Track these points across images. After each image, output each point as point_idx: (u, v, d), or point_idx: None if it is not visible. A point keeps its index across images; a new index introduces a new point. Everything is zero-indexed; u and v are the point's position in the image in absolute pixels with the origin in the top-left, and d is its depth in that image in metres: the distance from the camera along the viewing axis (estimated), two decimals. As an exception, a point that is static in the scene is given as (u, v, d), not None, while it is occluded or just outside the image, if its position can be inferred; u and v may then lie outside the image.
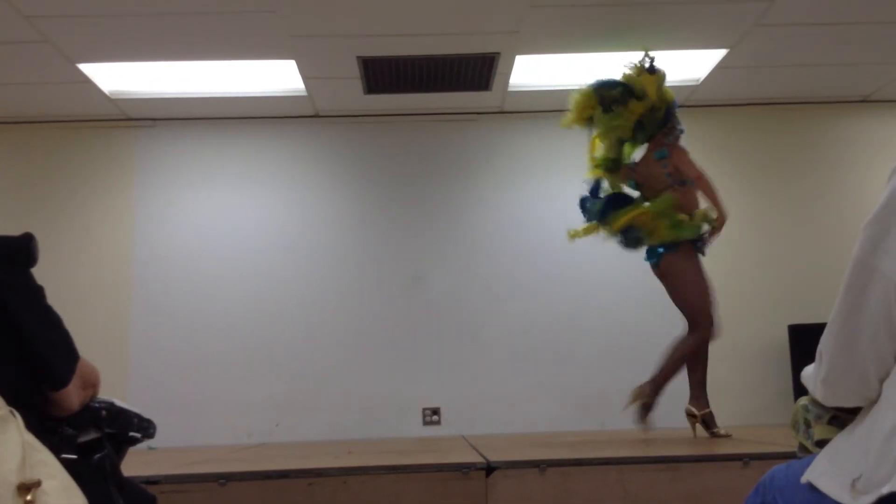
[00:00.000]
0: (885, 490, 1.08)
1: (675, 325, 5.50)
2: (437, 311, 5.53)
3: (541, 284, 5.55)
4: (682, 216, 4.11)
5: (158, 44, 4.56)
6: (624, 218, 4.16)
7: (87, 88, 5.09)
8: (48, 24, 4.29)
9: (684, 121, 5.79)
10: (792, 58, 4.99)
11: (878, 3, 4.31)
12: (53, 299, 1.47)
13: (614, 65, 5.16)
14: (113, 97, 5.26)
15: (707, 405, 4.08)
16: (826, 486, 1.24)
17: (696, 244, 4.15)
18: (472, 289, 5.55)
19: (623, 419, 5.35)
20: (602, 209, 4.26)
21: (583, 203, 4.39)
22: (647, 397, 4.02)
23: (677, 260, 4.11)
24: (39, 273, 1.47)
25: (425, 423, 5.40)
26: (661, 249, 4.13)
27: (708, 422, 4.06)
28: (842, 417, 1.39)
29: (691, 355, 4.10)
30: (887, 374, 1.21)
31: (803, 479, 1.31)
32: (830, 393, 1.31)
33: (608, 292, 5.54)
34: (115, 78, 5.05)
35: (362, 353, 5.47)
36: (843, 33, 4.66)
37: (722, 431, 4.02)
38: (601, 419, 5.35)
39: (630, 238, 4.23)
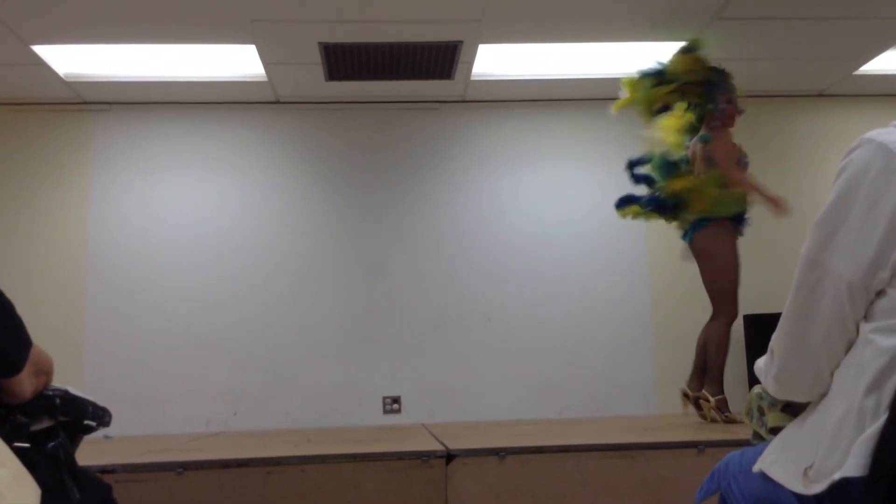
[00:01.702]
0: (837, 476, 1.10)
1: (632, 317, 5.59)
2: (398, 300, 5.52)
3: (501, 274, 5.58)
4: (724, 192, 4.21)
5: (115, 26, 4.47)
6: (679, 183, 4.28)
7: (41, 71, 4.98)
8: (0, 4, 4.18)
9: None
10: (749, 51, 5.05)
11: (835, -1, 4.39)
12: (5, 285, 1.44)
13: (576, 56, 5.19)
14: (68, 80, 5.15)
15: (717, 393, 4.22)
16: (778, 475, 1.26)
17: (736, 224, 4.26)
18: (433, 278, 5.56)
19: (580, 407, 5.44)
20: (660, 168, 4.39)
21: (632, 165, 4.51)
22: (717, 398, 4.14)
23: (709, 238, 4.23)
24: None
25: (385, 411, 5.40)
26: (698, 224, 4.24)
27: (721, 407, 4.19)
28: (795, 405, 1.41)
29: (726, 342, 4.24)
30: (838, 366, 1.23)
31: (755, 468, 1.33)
32: (783, 389, 1.34)
33: (568, 283, 5.59)
34: (71, 60, 4.95)
35: (322, 341, 5.44)
36: (800, 28, 4.73)
37: (733, 417, 4.14)
38: (559, 408, 5.40)
39: (671, 206, 4.32)
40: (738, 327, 5.45)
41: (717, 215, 4.20)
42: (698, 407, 4.24)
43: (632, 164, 4.49)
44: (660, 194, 4.36)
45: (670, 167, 4.37)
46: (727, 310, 4.23)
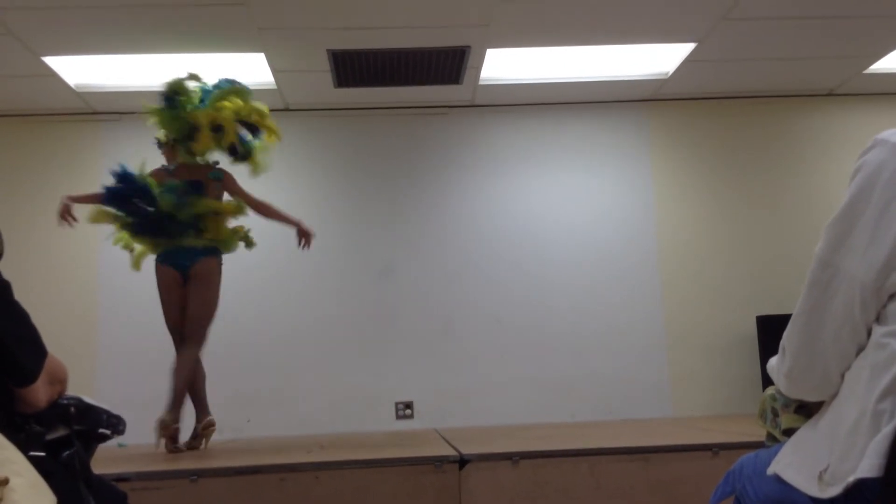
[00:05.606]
0: (852, 479, 1.09)
1: (644, 318, 5.58)
2: (409, 305, 5.52)
3: (511, 277, 5.57)
4: (240, 227, 4.28)
5: (125, 36, 4.50)
6: (217, 205, 4.16)
7: (52, 82, 5.02)
8: (12, 16, 4.21)
9: (654, 113, 5.88)
10: (759, 52, 5.04)
11: (843, -2, 4.37)
12: (19, 294, 1.45)
13: (584, 59, 5.19)
14: (78, 90, 5.18)
15: (208, 414, 4.18)
16: (793, 478, 1.25)
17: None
18: (443, 282, 5.56)
19: (593, 410, 5.42)
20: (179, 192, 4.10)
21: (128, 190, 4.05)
22: (173, 424, 3.96)
23: (215, 267, 4.16)
24: (5, 269, 1.45)
25: (398, 416, 5.40)
26: (203, 252, 4.11)
27: (202, 433, 4.14)
28: (808, 406, 1.41)
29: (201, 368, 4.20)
30: (849, 369, 1.23)
31: (769, 471, 1.33)
32: (794, 386, 1.34)
33: (577, 285, 5.58)
34: (81, 71, 4.98)
35: (334, 348, 5.45)
36: (810, 28, 4.72)
37: (185, 446, 4.07)
38: (571, 411, 5.39)
39: (180, 225, 4.06)
40: (750, 328, 5.45)
41: (224, 248, 4.21)
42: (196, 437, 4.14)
43: (121, 177, 4.07)
44: (164, 212, 4.02)
45: (196, 187, 4.14)
46: (201, 341, 4.18)
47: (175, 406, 4.00)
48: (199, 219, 4.10)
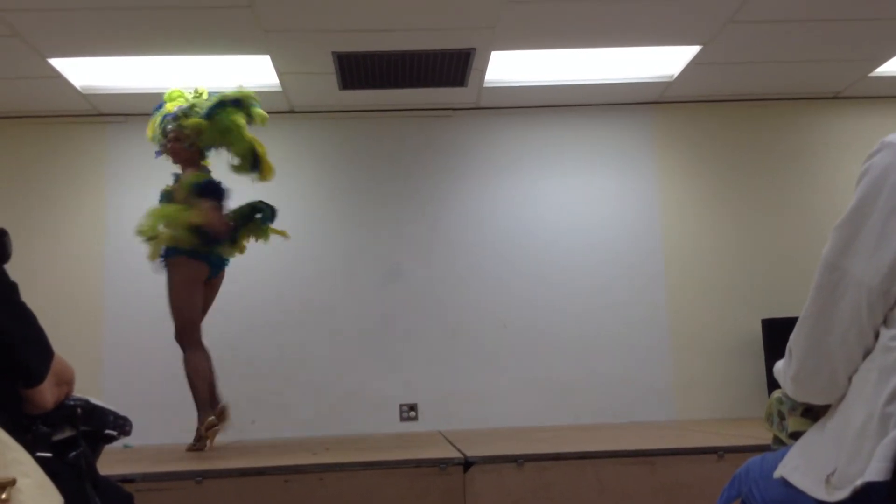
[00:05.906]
0: (859, 482, 1.09)
1: (649, 320, 5.57)
2: (414, 307, 5.52)
3: (516, 280, 5.57)
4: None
5: (131, 38, 4.51)
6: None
7: (57, 83, 5.03)
8: (18, 18, 4.23)
9: (659, 116, 5.88)
10: (765, 54, 5.04)
11: (850, 1, 4.36)
12: (26, 296, 1.45)
13: (589, 61, 5.18)
14: (84, 92, 5.20)
15: (210, 414, 4.16)
16: (800, 482, 1.25)
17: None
18: (448, 285, 5.56)
19: (597, 413, 5.42)
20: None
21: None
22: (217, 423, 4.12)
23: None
24: (11, 270, 1.45)
25: (402, 419, 5.40)
26: (226, 262, 4.37)
27: (205, 434, 4.14)
28: (815, 409, 1.41)
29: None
30: (856, 371, 1.23)
31: (776, 475, 1.32)
32: (800, 390, 1.34)
33: (583, 288, 5.58)
34: (87, 73, 4.99)
35: (339, 349, 5.45)
36: (816, 30, 4.71)
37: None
38: (576, 413, 5.38)
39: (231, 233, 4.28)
40: (755, 331, 5.44)
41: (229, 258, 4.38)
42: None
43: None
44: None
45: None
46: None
47: (213, 408, 4.22)
48: (238, 231, 4.31)
